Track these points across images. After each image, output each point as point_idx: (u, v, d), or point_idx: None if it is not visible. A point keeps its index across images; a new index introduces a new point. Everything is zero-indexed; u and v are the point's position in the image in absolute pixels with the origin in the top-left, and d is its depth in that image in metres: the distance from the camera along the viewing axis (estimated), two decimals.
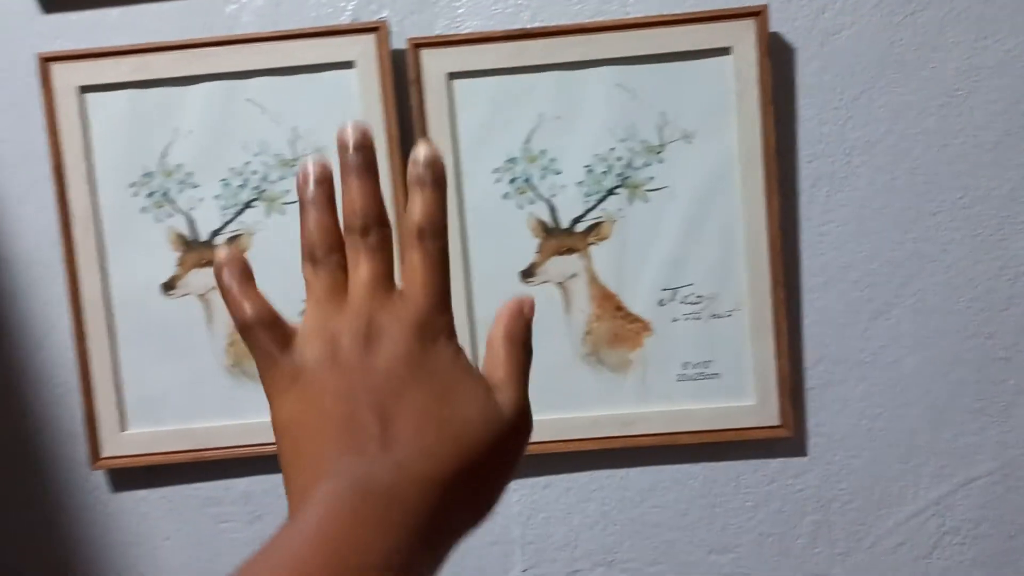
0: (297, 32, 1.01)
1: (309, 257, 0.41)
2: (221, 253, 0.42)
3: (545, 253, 1.02)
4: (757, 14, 0.98)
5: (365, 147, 0.42)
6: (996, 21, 1.00)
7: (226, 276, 0.41)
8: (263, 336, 0.39)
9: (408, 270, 0.40)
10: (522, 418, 0.40)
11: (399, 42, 1.02)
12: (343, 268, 0.40)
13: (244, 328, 0.40)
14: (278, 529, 0.34)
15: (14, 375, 1.07)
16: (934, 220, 1.02)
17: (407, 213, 0.41)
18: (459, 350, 0.40)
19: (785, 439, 1.03)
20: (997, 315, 1.02)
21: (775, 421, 1.02)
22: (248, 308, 0.40)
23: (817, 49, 1.01)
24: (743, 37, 0.98)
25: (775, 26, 1.00)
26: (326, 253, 0.41)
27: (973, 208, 1.01)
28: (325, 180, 0.42)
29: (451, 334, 0.40)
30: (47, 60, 1.02)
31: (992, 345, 1.02)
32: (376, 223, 0.40)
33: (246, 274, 0.41)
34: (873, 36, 1.00)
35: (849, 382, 1.03)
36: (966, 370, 1.03)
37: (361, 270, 0.40)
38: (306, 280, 0.41)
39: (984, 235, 1.01)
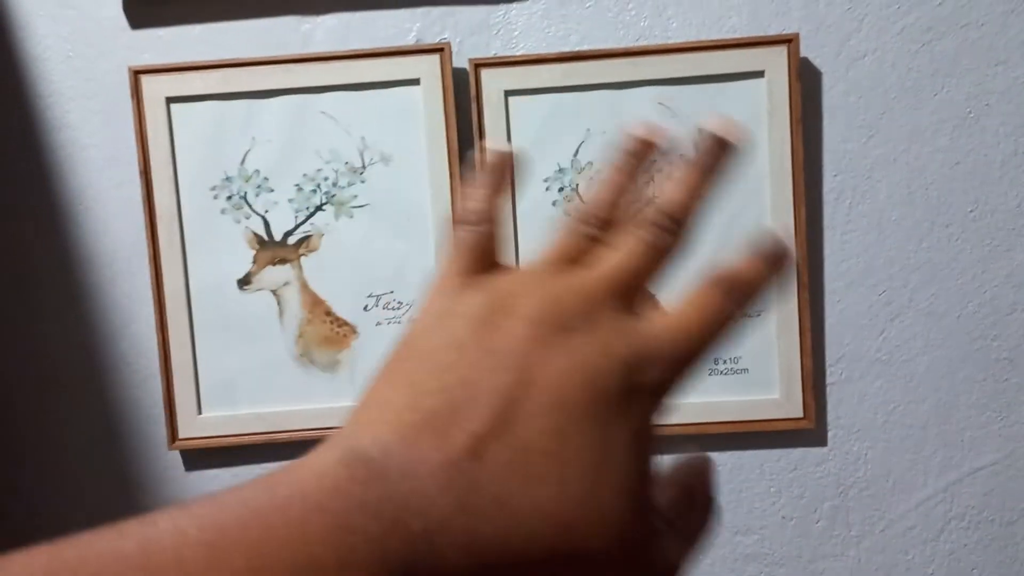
0: (368, 52, 1.10)
1: (574, 217, 0.36)
2: (496, 147, 0.38)
3: None
4: (789, 41, 1.07)
5: (727, 152, 0.36)
6: (1006, 50, 1.09)
7: (491, 165, 0.37)
8: (470, 240, 0.35)
9: (682, 305, 0.33)
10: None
11: (460, 61, 1.11)
12: (598, 245, 0.35)
13: (462, 221, 0.36)
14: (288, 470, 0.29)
15: (100, 361, 1.17)
16: (946, 231, 1.11)
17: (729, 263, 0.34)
18: (650, 438, 0.31)
19: (807, 430, 1.13)
20: (1002, 319, 1.12)
21: (798, 413, 1.12)
22: (480, 205, 0.36)
23: (843, 73, 1.10)
24: (776, 62, 1.08)
25: (805, 51, 1.10)
26: (592, 223, 0.36)
27: (982, 221, 1.11)
28: (640, 154, 0.37)
29: (657, 408, 0.31)
30: (138, 72, 1.11)
31: (997, 347, 1.12)
32: (677, 229, 0.34)
33: (504, 177, 0.37)
34: (894, 62, 1.10)
35: (867, 378, 1.13)
36: (973, 369, 1.12)
37: (619, 257, 0.33)
38: (555, 234, 0.36)
39: (992, 246, 1.11)
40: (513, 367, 0.29)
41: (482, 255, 0.35)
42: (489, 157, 0.37)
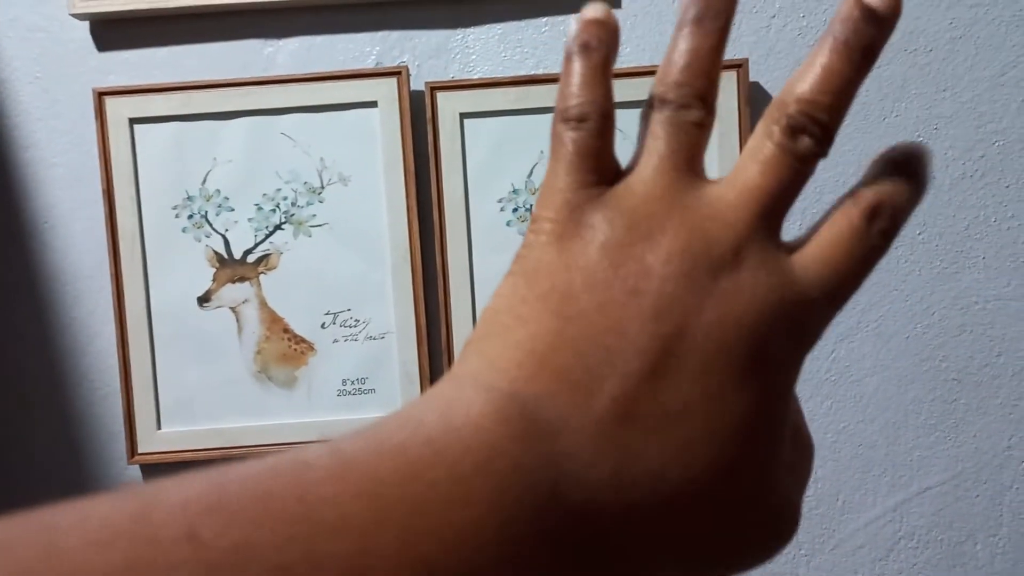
0: (327, 74, 1.12)
1: (673, 99, 0.29)
2: (592, 14, 0.30)
3: None
4: (739, 66, 1.09)
5: (882, 28, 0.28)
6: (954, 76, 1.11)
7: (590, 39, 0.30)
8: (583, 143, 0.29)
9: (825, 237, 0.29)
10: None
11: (418, 84, 1.13)
12: (705, 130, 0.30)
13: (573, 116, 0.29)
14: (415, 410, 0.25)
15: (62, 378, 1.19)
16: (895, 253, 1.13)
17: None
18: (793, 390, 0.28)
19: None
20: (950, 340, 1.13)
21: None
22: (587, 94, 0.29)
23: None
24: (725, 87, 1.10)
25: (755, 76, 1.12)
26: (696, 104, 0.29)
27: (931, 243, 1.12)
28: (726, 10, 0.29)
29: (804, 359, 0.28)
30: (102, 94, 1.14)
31: (946, 367, 1.13)
32: (823, 137, 0.29)
33: (609, 53, 0.30)
34: None
35: (816, 399, 1.14)
36: (921, 390, 1.14)
37: (761, 174, 0.29)
38: (657, 127, 0.29)
39: (940, 268, 1.13)
40: (663, 314, 0.26)
41: (599, 159, 0.29)
42: (584, 30, 0.30)
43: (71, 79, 1.16)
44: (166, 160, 1.15)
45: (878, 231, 0.29)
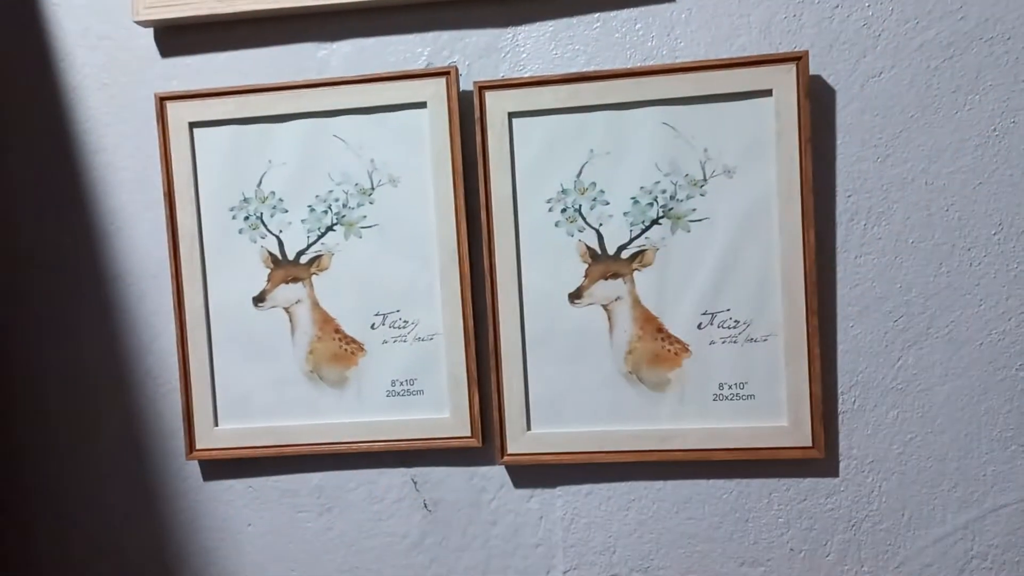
0: (377, 76, 1.13)
1: None
2: None
3: (592, 277, 1.11)
4: (798, 59, 1.04)
5: None
6: None
7: None
8: None
9: None
10: None
11: (467, 84, 1.12)
12: None
13: None
14: None
15: (126, 375, 1.22)
16: (968, 255, 1.06)
17: None
18: None
19: (816, 460, 1.09)
20: None
21: (807, 442, 1.07)
22: None
23: (857, 91, 1.06)
24: (784, 80, 1.05)
25: (817, 69, 1.07)
26: None
27: (1007, 244, 1.05)
28: None
29: None
30: (163, 99, 1.17)
31: (1023, 377, 1.06)
32: None
33: None
34: (912, 79, 1.06)
35: (881, 408, 1.08)
36: (996, 401, 1.06)
37: None
38: None
39: (1018, 270, 1.05)
40: None
41: None
42: None
43: (136, 85, 1.20)
44: (224, 163, 1.17)
45: None
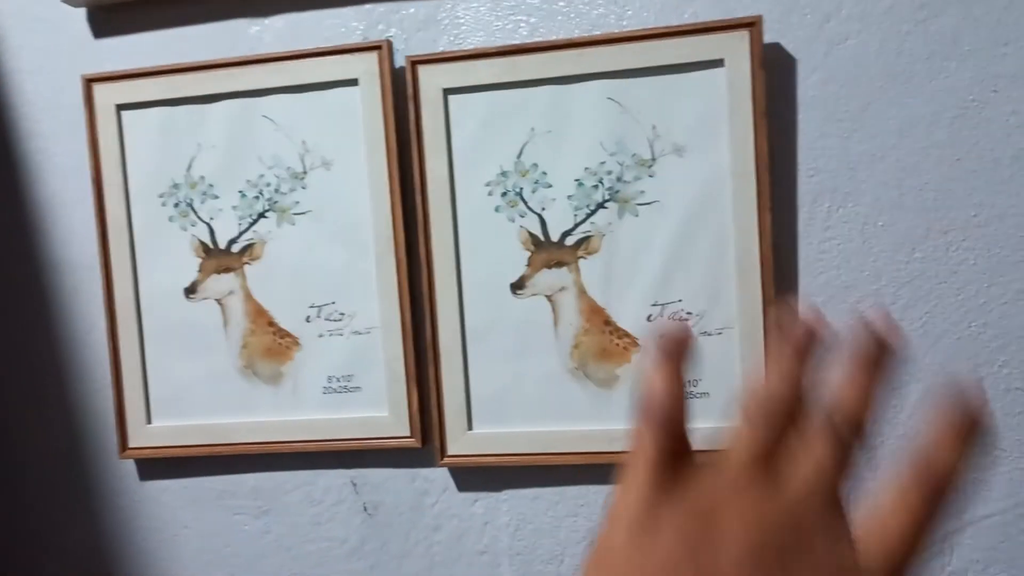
0: (307, 52, 1.06)
1: (757, 411, 0.34)
2: (670, 332, 0.35)
3: (535, 266, 1.03)
4: (751, 24, 0.95)
5: (891, 355, 0.34)
6: (1017, 27, 0.93)
7: (664, 348, 0.35)
8: (663, 443, 0.33)
9: (886, 517, 0.31)
10: None
11: (403, 59, 1.05)
12: (785, 442, 0.33)
13: (647, 419, 0.33)
14: None
15: (61, 370, 1.17)
16: (944, 239, 0.95)
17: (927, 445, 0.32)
18: None
19: None
20: (1013, 342, 0.95)
21: None
22: (664, 398, 0.34)
23: (820, 60, 0.97)
24: (736, 48, 0.96)
25: (775, 36, 0.97)
26: (777, 421, 0.33)
27: (988, 227, 0.95)
28: (810, 345, 0.35)
29: None
30: (90, 81, 1.11)
31: (1007, 375, 0.95)
32: (863, 437, 0.33)
33: (682, 360, 0.35)
34: (880, 45, 0.96)
35: None
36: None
37: (814, 468, 0.32)
38: (736, 431, 0.34)
39: (1000, 256, 0.94)
40: None
41: (678, 458, 0.33)
42: (667, 341, 0.35)
43: (69, 68, 1.15)
44: (152, 147, 1.11)
45: (938, 507, 0.30)
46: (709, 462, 0.33)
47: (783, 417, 0.33)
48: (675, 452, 0.33)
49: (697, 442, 0.34)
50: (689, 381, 0.35)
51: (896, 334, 0.34)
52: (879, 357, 0.34)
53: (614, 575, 0.30)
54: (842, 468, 0.32)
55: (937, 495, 0.31)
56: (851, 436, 0.32)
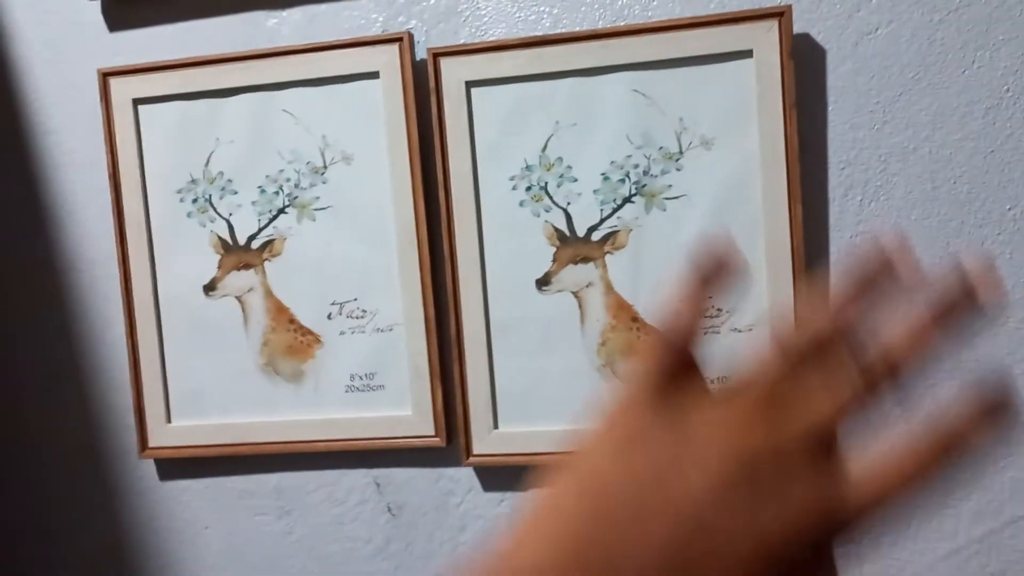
0: (327, 44, 1.04)
1: (784, 344, 0.32)
2: (712, 251, 0.34)
3: (561, 262, 1.01)
4: (780, 15, 0.93)
5: (975, 308, 0.31)
6: None
7: (699, 267, 0.34)
8: (668, 355, 0.33)
9: (885, 463, 0.30)
10: None
11: (423, 52, 1.03)
12: (802, 378, 0.31)
13: (658, 335, 0.33)
14: None
15: (79, 369, 1.16)
16: (979, 233, 0.94)
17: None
18: None
19: None
20: None
21: None
22: (679, 318, 0.33)
23: (850, 50, 0.95)
24: (765, 39, 0.94)
25: (805, 27, 0.95)
26: (803, 359, 0.32)
27: (1023, 220, 0.93)
28: (877, 275, 0.32)
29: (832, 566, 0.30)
30: (107, 75, 1.09)
31: None
32: (896, 385, 0.31)
33: (717, 281, 0.34)
34: (912, 35, 0.94)
35: (884, 408, 0.97)
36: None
37: (826, 408, 0.30)
38: (762, 356, 0.32)
39: None
40: (692, 526, 0.28)
41: (680, 378, 0.32)
42: (704, 255, 0.34)
43: (84, 62, 1.13)
44: (170, 141, 1.10)
45: (942, 468, 0.29)
46: (720, 390, 0.32)
47: (811, 352, 0.31)
48: (678, 372, 0.32)
49: (709, 368, 0.33)
50: (719, 306, 0.33)
51: (992, 288, 0.30)
52: (958, 307, 0.30)
53: (587, 478, 0.30)
54: (852, 413, 0.30)
55: (946, 453, 0.29)
56: (881, 385, 0.30)
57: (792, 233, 0.95)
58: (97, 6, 1.13)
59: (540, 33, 1.02)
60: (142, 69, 1.09)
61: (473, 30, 1.04)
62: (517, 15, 1.03)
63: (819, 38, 0.95)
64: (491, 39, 1.03)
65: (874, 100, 0.95)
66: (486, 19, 1.03)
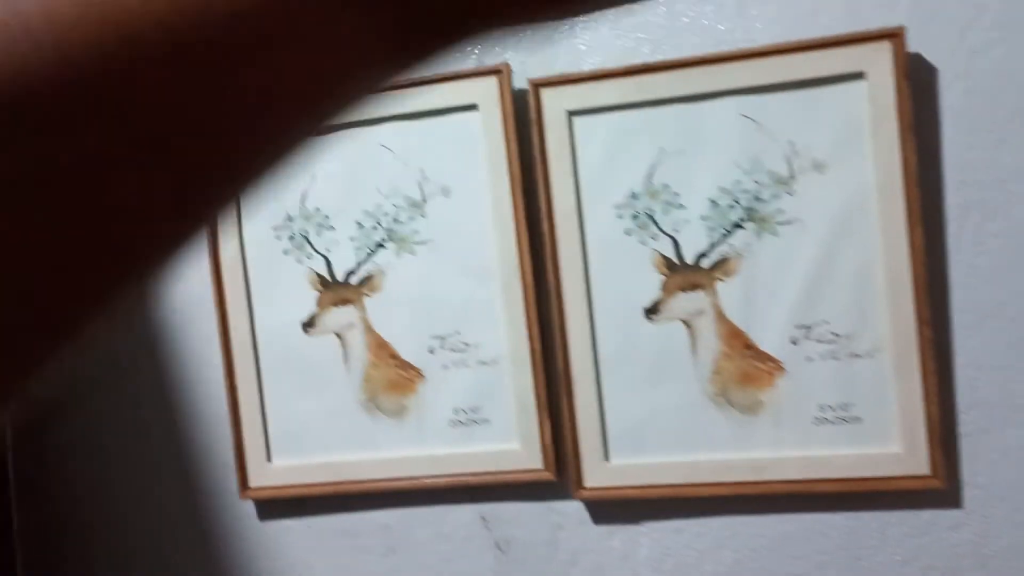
0: (424, 79, 1.03)
1: None
2: None
3: (669, 290, 1.00)
4: (894, 35, 0.92)
5: None
6: None
7: None
8: None
9: None
10: None
11: (521, 82, 1.02)
12: None
13: None
14: None
15: (174, 409, 1.15)
16: None
17: None
18: None
19: (936, 490, 0.95)
20: None
21: (924, 470, 0.94)
22: None
23: (963, 69, 0.93)
24: (878, 61, 0.93)
25: (915, 46, 0.94)
26: None
27: None
28: None
29: None
30: None
31: None
32: None
33: None
34: None
35: (1008, 428, 0.94)
36: None
37: None
38: None
39: None
40: None
41: None
42: None
43: None
44: None
45: None
46: None
47: None
48: None
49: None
50: None
51: None
52: None
53: None
54: None
55: None
56: None
57: (912, 256, 0.93)
58: None
59: (639, 61, 1.01)
60: None
61: (570, 59, 1.03)
62: (614, 43, 1.02)
63: (930, 57, 0.94)
64: (588, 68, 1.02)
65: (990, 119, 0.93)
66: (583, 48, 1.03)
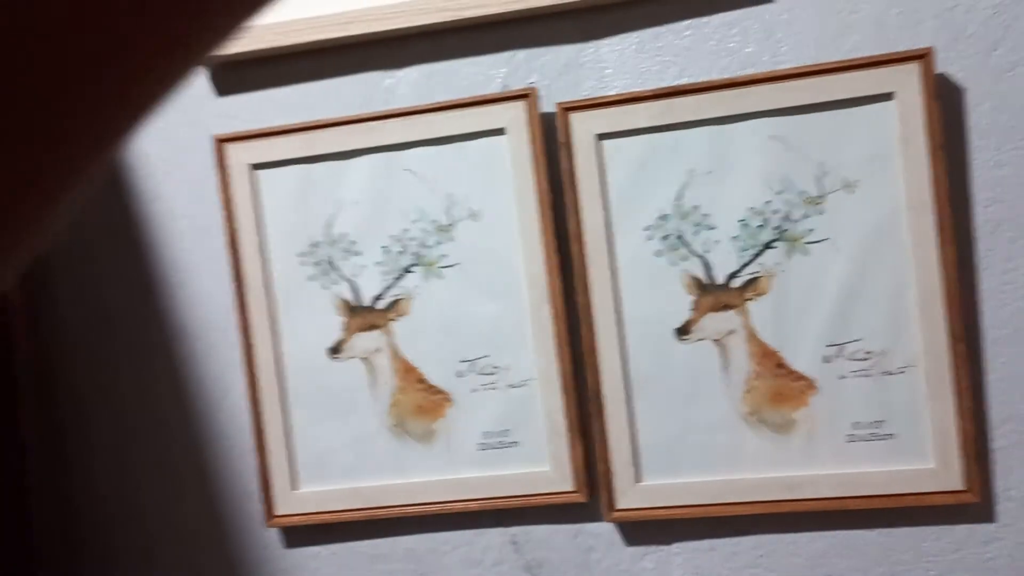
0: (450, 103, 1.03)
1: None
2: None
3: (701, 310, 1.00)
4: (922, 56, 0.93)
5: None
6: None
7: None
8: None
9: None
10: None
11: (548, 106, 1.03)
12: None
13: None
14: None
15: (195, 436, 1.14)
16: None
17: None
18: None
19: (971, 504, 0.96)
20: None
21: (959, 485, 0.95)
22: None
23: (989, 87, 0.95)
24: (907, 81, 0.94)
25: (942, 66, 0.95)
26: None
27: None
28: None
29: None
30: (222, 141, 1.09)
31: None
32: None
33: None
34: None
35: None
36: None
37: None
38: None
39: None
40: None
41: None
42: None
43: (192, 127, 1.12)
44: (290, 205, 1.09)
45: None
46: None
47: None
48: None
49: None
50: None
51: None
52: None
53: None
54: None
55: None
56: None
57: (944, 273, 0.94)
58: (205, 71, 1.12)
59: (666, 84, 1.01)
60: (258, 134, 1.08)
61: (596, 82, 1.03)
62: (640, 66, 1.02)
63: (958, 77, 0.95)
64: (615, 91, 1.03)
65: (1018, 136, 0.94)
66: (609, 72, 1.03)
